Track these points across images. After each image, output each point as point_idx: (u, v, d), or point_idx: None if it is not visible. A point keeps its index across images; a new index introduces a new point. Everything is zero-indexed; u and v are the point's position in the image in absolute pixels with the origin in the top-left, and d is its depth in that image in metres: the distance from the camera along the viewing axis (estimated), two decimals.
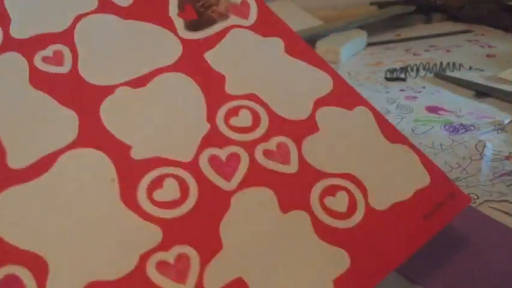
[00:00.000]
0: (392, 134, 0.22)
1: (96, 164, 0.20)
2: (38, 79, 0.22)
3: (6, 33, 0.22)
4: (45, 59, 0.22)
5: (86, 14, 0.23)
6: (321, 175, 0.21)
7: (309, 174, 0.21)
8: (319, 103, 0.23)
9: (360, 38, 0.57)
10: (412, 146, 0.22)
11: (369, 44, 0.57)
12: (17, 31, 0.23)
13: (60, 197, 0.19)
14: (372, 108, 0.23)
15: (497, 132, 0.37)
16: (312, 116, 0.22)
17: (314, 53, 0.24)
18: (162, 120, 0.21)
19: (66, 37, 0.23)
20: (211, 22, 0.24)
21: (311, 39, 0.53)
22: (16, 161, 0.20)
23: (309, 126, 0.22)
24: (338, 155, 0.22)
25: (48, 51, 0.22)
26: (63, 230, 0.19)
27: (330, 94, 0.23)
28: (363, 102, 0.23)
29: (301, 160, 0.21)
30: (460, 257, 0.23)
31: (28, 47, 0.22)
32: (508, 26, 0.59)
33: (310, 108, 0.23)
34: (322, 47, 0.53)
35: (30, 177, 0.20)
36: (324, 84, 0.23)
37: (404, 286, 0.23)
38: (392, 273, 0.23)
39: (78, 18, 0.23)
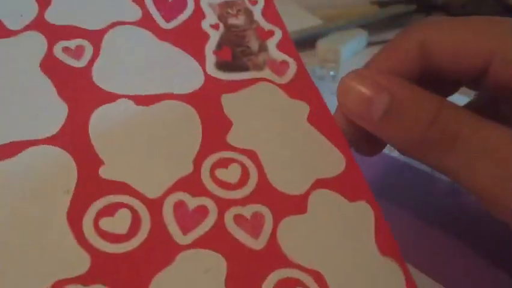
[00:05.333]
0: (386, 244, 0.19)
1: (60, 168, 0.19)
2: (50, 65, 0.21)
3: (41, 14, 0.22)
4: (65, 50, 0.21)
5: (124, 22, 0.23)
6: (286, 263, 0.18)
7: (273, 256, 0.18)
8: (319, 183, 0.20)
9: (361, 37, 0.56)
10: (403, 265, 0.19)
11: (370, 44, 0.57)
12: (52, 16, 0.22)
13: (7, 189, 0.18)
14: (376, 208, 0.20)
15: None
16: (305, 195, 0.20)
17: (337, 129, 0.21)
18: (148, 146, 0.20)
19: (95, 36, 0.22)
20: (243, 68, 0.22)
21: (311, 38, 0.53)
22: None
23: (297, 204, 0.19)
24: (315, 246, 0.19)
25: (72, 43, 0.22)
26: None
27: (336, 178, 0.20)
28: (369, 197, 0.20)
29: (272, 238, 0.18)
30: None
31: (55, 33, 0.22)
32: None
33: (307, 186, 0.20)
34: (322, 47, 0.53)
35: None
36: (334, 165, 0.20)
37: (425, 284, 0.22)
38: (414, 270, 0.23)
39: (115, 23, 0.23)
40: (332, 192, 0.20)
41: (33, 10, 0.22)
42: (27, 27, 0.22)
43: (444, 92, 0.24)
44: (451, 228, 0.25)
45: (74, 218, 0.18)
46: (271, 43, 0.23)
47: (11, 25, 0.22)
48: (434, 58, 0.20)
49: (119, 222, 0.18)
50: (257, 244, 0.18)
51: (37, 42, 0.21)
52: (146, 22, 0.23)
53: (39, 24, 0.22)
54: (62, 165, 0.19)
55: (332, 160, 0.21)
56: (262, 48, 0.23)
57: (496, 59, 0.19)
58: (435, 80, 0.21)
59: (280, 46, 0.23)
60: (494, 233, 0.21)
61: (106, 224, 0.18)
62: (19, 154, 0.19)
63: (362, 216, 0.20)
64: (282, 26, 0.23)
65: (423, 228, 0.25)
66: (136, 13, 0.23)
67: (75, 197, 0.18)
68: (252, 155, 0.20)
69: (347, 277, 0.18)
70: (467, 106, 0.25)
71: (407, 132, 0.18)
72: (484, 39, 0.19)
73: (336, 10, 0.63)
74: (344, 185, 0.20)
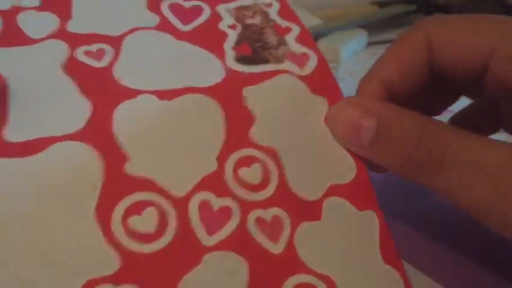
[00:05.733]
0: (389, 254, 0.19)
1: (86, 163, 0.19)
2: (72, 66, 0.21)
3: (62, 26, 0.23)
4: (87, 53, 0.22)
5: (143, 28, 0.23)
6: (302, 268, 0.18)
7: (291, 261, 0.18)
8: (333, 190, 0.20)
9: (361, 37, 0.56)
10: (404, 276, 0.19)
11: (370, 44, 0.57)
12: (73, 27, 0.23)
13: (35, 184, 0.18)
14: (381, 217, 0.20)
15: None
16: (319, 202, 0.20)
17: None
18: (172, 141, 0.20)
19: (115, 40, 0.22)
20: (263, 61, 0.22)
21: None
22: (13, 134, 0.19)
23: (313, 210, 0.19)
24: (328, 253, 0.19)
25: (93, 47, 0.22)
26: (20, 215, 0.17)
27: (348, 185, 0.20)
28: (375, 207, 0.20)
29: (290, 243, 0.19)
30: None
31: (76, 40, 0.22)
32: None
33: (322, 192, 0.20)
34: (322, 47, 0.53)
35: (19, 153, 0.18)
36: (346, 172, 0.20)
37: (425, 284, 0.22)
38: (415, 270, 0.23)
39: (134, 29, 0.23)
40: (343, 200, 0.20)
41: (55, 23, 0.23)
42: (49, 37, 0.22)
43: (448, 99, 0.24)
44: (451, 229, 0.25)
45: (103, 215, 0.18)
46: (290, 37, 0.23)
47: (33, 35, 0.22)
48: (437, 55, 0.20)
49: (146, 221, 0.18)
50: (276, 248, 0.18)
51: (59, 47, 0.22)
52: (164, 27, 0.23)
53: (60, 33, 0.22)
54: (87, 161, 0.19)
55: (345, 166, 0.21)
56: (281, 42, 0.23)
57: (496, 56, 0.19)
58: (439, 85, 0.22)
59: (299, 40, 0.23)
60: (494, 234, 0.21)
61: (134, 222, 0.18)
62: (45, 150, 0.19)
63: (368, 225, 0.20)
64: (299, 23, 0.24)
65: (424, 229, 0.25)
66: (154, 20, 0.23)
67: (103, 193, 0.18)
68: (273, 154, 0.20)
69: (354, 284, 0.18)
70: (468, 109, 0.25)
71: (396, 155, 0.18)
72: (484, 36, 0.19)
73: (336, 10, 0.63)
74: (354, 193, 0.20)
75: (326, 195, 0.20)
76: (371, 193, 0.20)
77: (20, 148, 0.19)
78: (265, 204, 0.19)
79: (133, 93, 0.21)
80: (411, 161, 0.18)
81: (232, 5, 0.24)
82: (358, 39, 0.54)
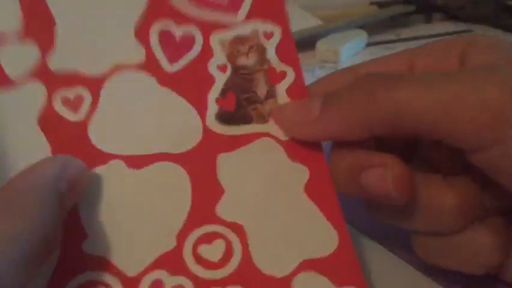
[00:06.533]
0: None
1: None
2: (48, 120, 0.20)
3: (44, 60, 0.20)
4: (64, 101, 0.20)
5: (127, 66, 0.21)
6: None
7: None
8: (306, 265, 0.19)
9: (360, 38, 0.56)
10: None
11: (369, 44, 0.57)
12: (55, 61, 0.20)
13: None
14: None
15: None
16: (288, 278, 0.19)
17: (335, 202, 0.20)
18: (133, 217, 0.19)
19: (95, 84, 0.20)
20: (245, 120, 0.21)
21: (311, 39, 0.53)
22: None
23: None
24: None
25: (72, 92, 0.20)
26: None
27: (326, 259, 0.19)
28: (360, 282, 0.19)
29: None
30: None
31: (56, 80, 0.20)
32: (508, 26, 0.59)
33: (292, 267, 0.19)
34: (322, 47, 0.53)
35: None
36: (325, 244, 0.19)
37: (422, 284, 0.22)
38: (411, 269, 0.23)
39: (117, 68, 0.21)
40: (319, 275, 0.19)
41: (35, 55, 0.21)
42: (28, 75, 0.20)
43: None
44: None
45: None
46: (281, 87, 0.21)
47: (11, 72, 0.20)
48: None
49: None
50: None
51: (37, 93, 0.20)
52: (149, 65, 0.21)
53: (40, 71, 0.20)
54: None
55: (324, 238, 0.20)
56: (270, 94, 0.21)
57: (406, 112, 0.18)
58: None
59: (290, 92, 0.21)
60: None
61: None
62: None
63: None
64: (296, 66, 0.22)
65: None
66: (139, 53, 0.21)
67: (56, 271, 0.18)
68: (239, 229, 0.20)
69: None
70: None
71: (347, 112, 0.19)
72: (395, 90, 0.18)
73: (335, 11, 0.63)
74: (333, 267, 0.19)
75: (297, 270, 0.19)
76: (355, 267, 0.19)
77: None
78: (224, 282, 0.19)
79: (102, 158, 0.20)
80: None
81: (228, 35, 0.21)
82: (358, 39, 0.54)
